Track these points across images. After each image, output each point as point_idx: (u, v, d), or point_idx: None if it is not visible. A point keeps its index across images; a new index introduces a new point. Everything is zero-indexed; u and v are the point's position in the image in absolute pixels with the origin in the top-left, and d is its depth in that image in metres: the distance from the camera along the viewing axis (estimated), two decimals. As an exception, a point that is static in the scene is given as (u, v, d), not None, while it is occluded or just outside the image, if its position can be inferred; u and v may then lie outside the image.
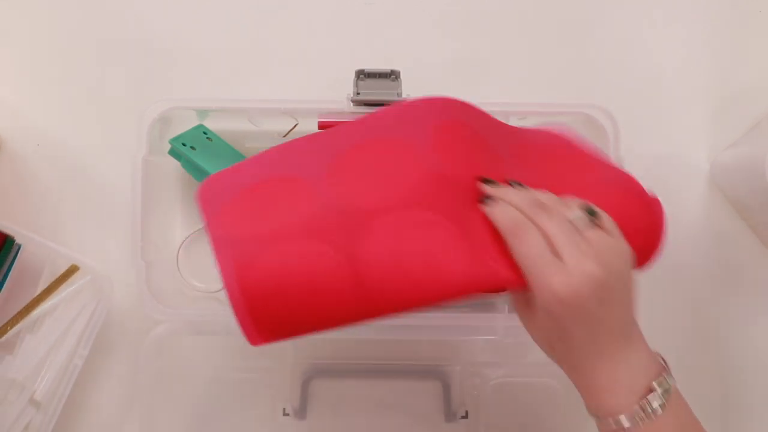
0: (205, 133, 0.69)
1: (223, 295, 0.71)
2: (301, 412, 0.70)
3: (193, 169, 0.67)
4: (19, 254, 0.70)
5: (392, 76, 0.62)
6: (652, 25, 0.75)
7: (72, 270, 0.71)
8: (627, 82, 0.75)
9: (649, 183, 0.74)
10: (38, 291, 0.70)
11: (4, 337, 0.70)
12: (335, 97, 0.63)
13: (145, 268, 0.64)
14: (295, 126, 0.70)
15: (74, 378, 0.69)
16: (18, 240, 0.69)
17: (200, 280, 0.73)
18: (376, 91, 0.62)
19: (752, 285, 0.74)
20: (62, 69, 0.75)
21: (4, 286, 0.70)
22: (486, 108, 0.58)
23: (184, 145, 0.66)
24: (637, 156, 0.72)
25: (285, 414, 0.70)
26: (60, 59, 0.75)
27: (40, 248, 0.70)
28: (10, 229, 0.69)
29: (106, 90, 0.74)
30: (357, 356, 0.71)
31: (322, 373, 0.71)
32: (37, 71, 0.75)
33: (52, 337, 0.70)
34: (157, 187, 0.68)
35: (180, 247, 0.72)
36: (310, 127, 0.69)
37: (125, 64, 0.74)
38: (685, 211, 0.74)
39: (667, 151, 0.75)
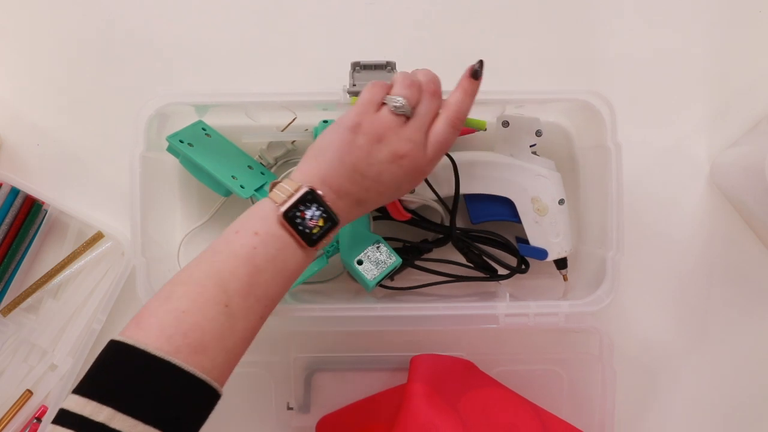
0: (204, 129, 0.69)
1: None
2: (305, 406, 0.70)
3: (190, 165, 0.67)
4: (45, 220, 0.72)
5: (388, 67, 0.62)
6: (652, 25, 0.75)
7: (97, 237, 0.72)
8: (627, 86, 0.75)
9: (649, 183, 0.74)
10: (62, 257, 0.72)
11: (26, 302, 0.72)
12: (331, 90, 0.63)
13: (145, 264, 0.64)
14: (293, 120, 0.70)
15: (92, 343, 0.71)
16: (45, 206, 0.72)
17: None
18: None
19: (752, 285, 0.74)
20: (62, 68, 0.75)
21: (30, 249, 0.72)
22: (484, 97, 0.58)
23: (181, 141, 0.66)
24: (638, 156, 0.72)
25: (289, 408, 0.70)
26: (60, 58, 0.75)
27: (65, 215, 0.72)
28: (39, 194, 0.71)
29: (106, 89, 0.75)
30: (359, 349, 0.71)
31: (325, 367, 0.71)
32: (37, 71, 0.75)
33: (74, 303, 0.72)
34: (156, 183, 0.68)
35: (180, 244, 0.72)
36: (308, 120, 0.69)
37: (125, 62, 0.75)
38: (685, 210, 0.74)
39: (667, 151, 0.75)
